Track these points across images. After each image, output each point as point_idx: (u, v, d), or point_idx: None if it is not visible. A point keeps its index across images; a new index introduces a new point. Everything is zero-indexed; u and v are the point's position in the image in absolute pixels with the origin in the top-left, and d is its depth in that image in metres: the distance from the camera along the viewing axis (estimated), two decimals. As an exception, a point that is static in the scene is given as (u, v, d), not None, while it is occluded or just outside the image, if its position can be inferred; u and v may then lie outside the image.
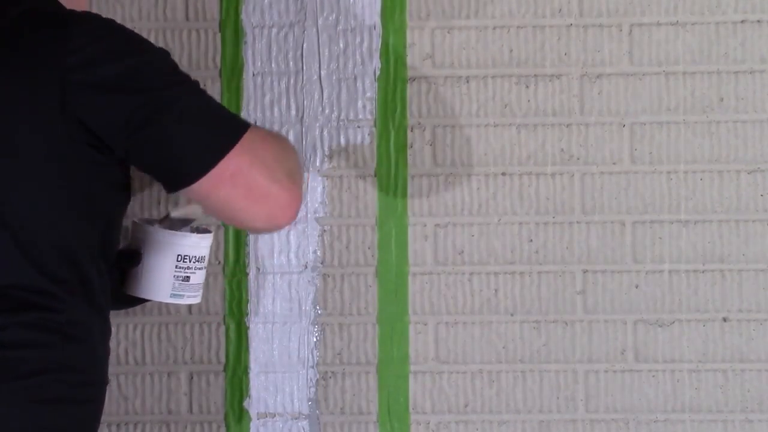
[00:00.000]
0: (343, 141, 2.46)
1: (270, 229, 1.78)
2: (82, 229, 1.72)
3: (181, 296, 2.01)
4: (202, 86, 2.44)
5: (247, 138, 1.74)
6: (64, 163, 1.69)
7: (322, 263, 2.46)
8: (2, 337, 1.66)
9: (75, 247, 1.71)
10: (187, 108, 1.74)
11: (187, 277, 2.00)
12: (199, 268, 2.02)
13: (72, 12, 1.75)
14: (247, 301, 2.45)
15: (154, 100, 1.72)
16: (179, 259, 1.97)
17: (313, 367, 2.46)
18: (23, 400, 1.67)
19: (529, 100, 2.46)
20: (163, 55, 1.77)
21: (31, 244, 1.68)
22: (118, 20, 2.43)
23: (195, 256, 2.00)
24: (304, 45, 2.46)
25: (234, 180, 1.71)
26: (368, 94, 2.46)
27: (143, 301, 2.03)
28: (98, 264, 1.76)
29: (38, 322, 1.68)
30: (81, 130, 1.68)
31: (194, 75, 2.45)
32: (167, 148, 1.72)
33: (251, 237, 2.45)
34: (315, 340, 2.45)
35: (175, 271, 1.97)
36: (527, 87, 2.46)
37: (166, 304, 2.44)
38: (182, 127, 1.71)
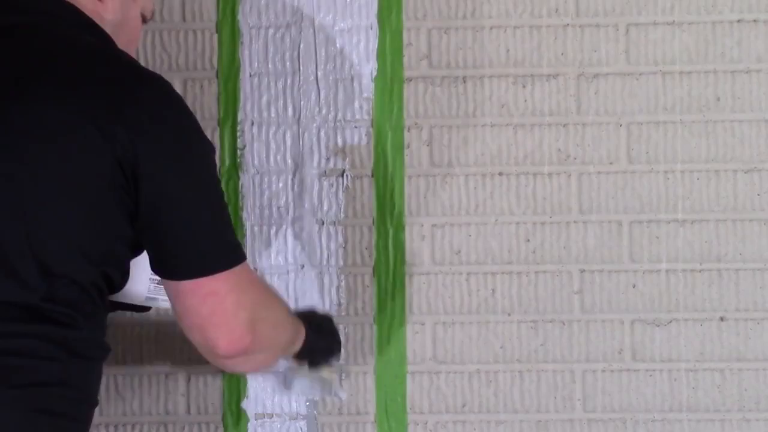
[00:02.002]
0: (340, 141, 2.46)
1: (203, 348, 1.83)
2: (98, 272, 1.76)
3: (156, 299, 2.08)
4: (198, 87, 2.47)
5: (237, 270, 1.80)
6: (100, 207, 1.72)
7: (319, 263, 2.46)
8: (11, 344, 1.68)
9: (87, 284, 1.75)
10: (209, 212, 1.79)
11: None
12: None
13: (147, 70, 1.81)
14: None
15: (193, 185, 1.77)
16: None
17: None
18: (24, 407, 1.68)
19: (525, 100, 2.46)
20: (213, 151, 1.82)
21: (52, 271, 1.71)
22: (115, 21, 2.45)
23: None
24: (301, 45, 2.46)
25: (206, 298, 1.77)
26: (365, 95, 2.46)
27: (120, 306, 2.05)
28: (103, 296, 1.80)
29: (48, 335, 1.71)
30: (122, 176, 1.71)
31: (191, 76, 2.47)
32: (174, 238, 1.77)
33: (249, 238, 2.46)
34: (312, 340, 2.46)
35: (151, 274, 2.01)
36: (524, 87, 2.46)
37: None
38: (197, 226, 1.77)
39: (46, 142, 1.69)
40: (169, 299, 1.83)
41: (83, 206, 1.71)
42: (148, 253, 1.81)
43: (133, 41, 1.95)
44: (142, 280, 1.96)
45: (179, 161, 1.75)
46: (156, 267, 1.81)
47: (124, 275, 1.84)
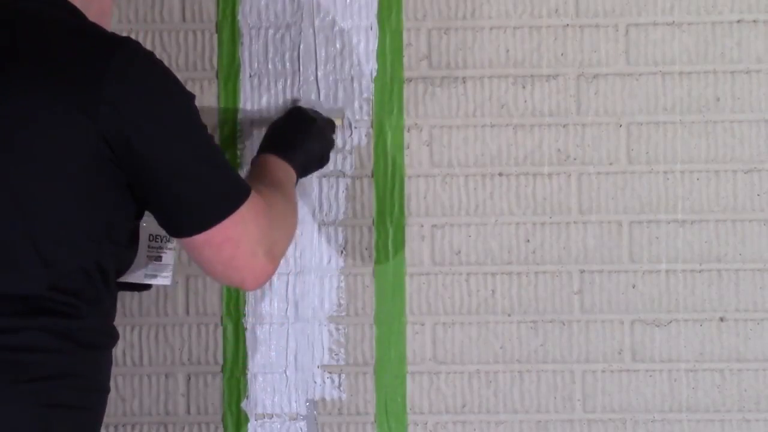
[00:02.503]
0: (340, 142, 2.46)
1: (231, 286, 1.93)
2: (99, 252, 1.76)
3: (155, 276, 2.10)
4: (198, 88, 2.47)
5: (245, 208, 1.81)
6: (91, 186, 1.72)
7: (319, 264, 2.46)
8: (16, 339, 1.68)
9: (90, 266, 1.75)
10: (201, 161, 1.79)
11: (159, 257, 2.09)
12: (170, 249, 2.11)
13: (114, 36, 1.78)
14: (245, 303, 2.46)
15: (179, 140, 1.77)
16: (151, 239, 2.05)
17: (310, 367, 2.46)
18: (32, 403, 1.68)
19: (525, 101, 2.46)
20: (192, 99, 1.81)
21: (53, 259, 1.71)
22: (115, 22, 2.45)
23: (165, 236, 2.08)
24: (301, 46, 2.46)
25: (221, 246, 1.79)
26: (365, 95, 2.46)
27: (119, 287, 2.05)
28: (108, 280, 1.79)
29: (52, 327, 1.71)
30: (107, 148, 1.70)
31: (191, 76, 2.46)
32: (172, 196, 1.77)
33: (248, 238, 2.46)
34: (312, 340, 2.46)
35: (148, 251, 2.03)
36: (524, 87, 2.46)
37: (164, 305, 2.45)
38: (191, 179, 1.77)
39: (30, 129, 1.68)
40: (188, 254, 1.85)
41: (76, 187, 1.71)
42: (153, 215, 1.82)
43: (106, 13, 1.93)
44: (140, 259, 1.96)
45: (161, 120, 1.75)
46: (165, 227, 1.82)
47: (129, 248, 1.84)
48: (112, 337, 1.82)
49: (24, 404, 1.67)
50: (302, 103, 2.43)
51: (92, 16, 1.86)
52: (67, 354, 1.72)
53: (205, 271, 1.85)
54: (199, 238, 1.78)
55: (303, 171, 2.20)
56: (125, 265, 1.91)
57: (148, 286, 2.14)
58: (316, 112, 2.35)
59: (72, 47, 1.73)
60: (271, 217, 1.87)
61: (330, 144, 2.33)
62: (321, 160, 2.30)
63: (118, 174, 1.73)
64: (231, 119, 2.46)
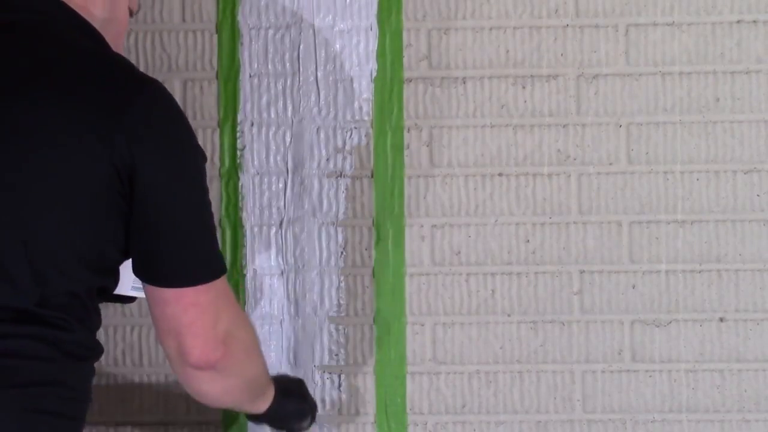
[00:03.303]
0: (339, 142, 2.46)
1: (173, 355, 1.83)
2: (90, 278, 1.77)
3: (141, 289, 2.06)
4: (198, 88, 2.46)
5: (219, 283, 1.81)
6: (95, 211, 1.73)
7: (319, 264, 2.46)
8: (5, 345, 1.68)
9: (80, 288, 1.76)
10: (200, 221, 1.80)
11: None
12: None
13: (144, 75, 1.80)
14: (245, 303, 2.46)
15: (183, 193, 1.77)
16: None
17: (310, 367, 2.46)
18: (18, 408, 1.68)
19: (525, 101, 2.46)
20: (204, 159, 1.83)
21: (45, 279, 1.71)
22: (115, 22, 2.45)
23: None
24: (301, 46, 2.46)
25: (188, 308, 1.78)
26: (365, 96, 2.46)
27: (105, 298, 2.05)
28: (95, 300, 1.80)
29: (42, 336, 1.71)
30: (118, 179, 1.71)
31: (191, 76, 2.47)
32: (161, 243, 1.77)
33: (248, 238, 2.46)
34: (312, 340, 2.46)
35: (142, 284, 2.01)
36: (524, 88, 2.46)
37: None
38: (184, 234, 1.77)
39: (44, 148, 1.69)
40: (149, 304, 1.83)
41: (80, 211, 1.71)
42: (133, 257, 1.81)
43: (121, 35, 1.95)
44: (126, 270, 1.96)
45: (174, 169, 1.76)
46: (141, 272, 1.81)
47: (116, 280, 1.85)
48: (96, 350, 1.82)
49: (10, 409, 1.67)
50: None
51: (110, 39, 1.87)
52: (55, 363, 1.72)
53: (158, 329, 1.82)
54: (172, 293, 1.78)
55: (277, 409, 2.14)
56: (113, 287, 1.90)
57: (133, 299, 2.14)
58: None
59: (100, 76, 1.74)
60: (238, 312, 1.88)
61: (309, 408, 2.28)
62: (297, 414, 2.25)
63: (122, 205, 1.73)
64: (231, 120, 2.46)
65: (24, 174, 1.68)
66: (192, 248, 1.78)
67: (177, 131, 1.78)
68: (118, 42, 1.93)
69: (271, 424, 2.20)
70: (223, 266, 1.83)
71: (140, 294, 2.08)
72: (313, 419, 2.27)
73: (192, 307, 1.78)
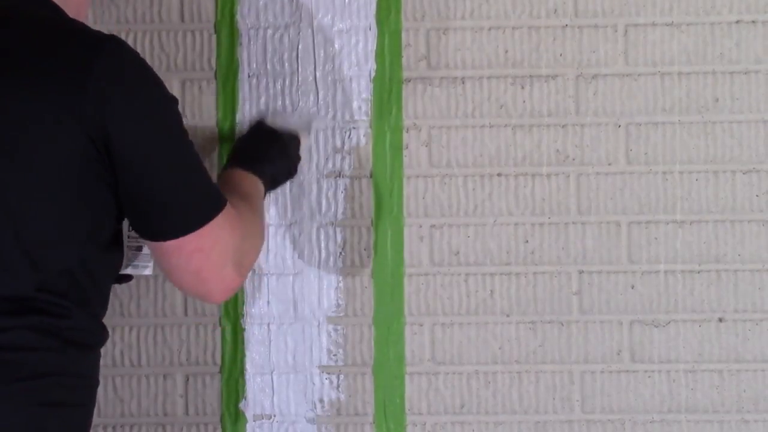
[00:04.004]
0: (338, 142, 2.46)
1: (196, 297, 1.88)
2: (85, 253, 1.75)
3: (137, 266, 2.08)
4: (197, 88, 2.46)
5: (219, 220, 1.80)
6: (78, 186, 1.71)
7: (318, 264, 2.46)
8: (5, 338, 1.68)
9: (75, 267, 1.74)
10: (183, 167, 1.79)
11: (140, 246, 2.07)
12: None
13: (99, 34, 1.77)
14: (243, 303, 2.45)
15: (160, 144, 1.77)
16: (130, 229, 2.02)
17: (308, 368, 2.46)
18: (23, 402, 1.68)
19: (524, 101, 2.46)
20: (176, 103, 1.82)
21: (40, 260, 1.71)
22: (113, 22, 2.45)
23: None
24: (300, 46, 2.46)
25: (191, 255, 1.78)
26: (364, 95, 2.46)
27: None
28: (95, 281, 1.79)
29: (41, 326, 1.70)
30: (93, 148, 1.70)
31: (189, 77, 2.46)
32: (149, 199, 1.77)
33: (247, 238, 2.45)
34: (310, 341, 2.45)
35: (128, 242, 2.01)
36: (523, 88, 2.46)
37: (162, 305, 2.45)
38: (169, 184, 1.77)
39: (18, 131, 1.68)
40: (155, 260, 1.84)
41: (64, 187, 1.70)
42: (128, 218, 1.81)
43: (82, 7, 1.92)
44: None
45: (147, 125, 1.75)
46: (138, 230, 1.81)
47: (115, 249, 1.83)
48: (101, 335, 1.81)
49: (17, 403, 1.67)
50: (277, 114, 2.42)
51: (71, 10, 1.85)
52: (57, 352, 1.72)
53: (171, 280, 1.83)
54: (171, 245, 1.77)
55: (272, 182, 2.19)
56: (115, 266, 1.89)
57: (129, 277, 2.13)
58: (280, 127, 2.34)
59: (57, 46, 1.73)
60: (242, 229, 1.86)
61: (295, 159, 2.32)
62: (289, 173, 2.29)
63: (104, 174, 1.72)
64: (230, 120, 2.46)
65: (3, 159, 1.67)
66: (182, 197, 1.77)
67: (143, 84, 1.76)
68: (80, 11, 1.90)
69: (278, 183, 2.25)
70: (217, 201, 1.81)
71: (137, 271, 2.08)
72: (297, 145, 2.32)
73: (195, 253, 1.78)
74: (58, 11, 1.83)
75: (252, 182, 2.10)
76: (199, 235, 1.77)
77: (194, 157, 1.81)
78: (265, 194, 2.15)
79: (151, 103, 1.76)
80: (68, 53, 1.72)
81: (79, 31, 1.78)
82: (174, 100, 1.80)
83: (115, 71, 1.72)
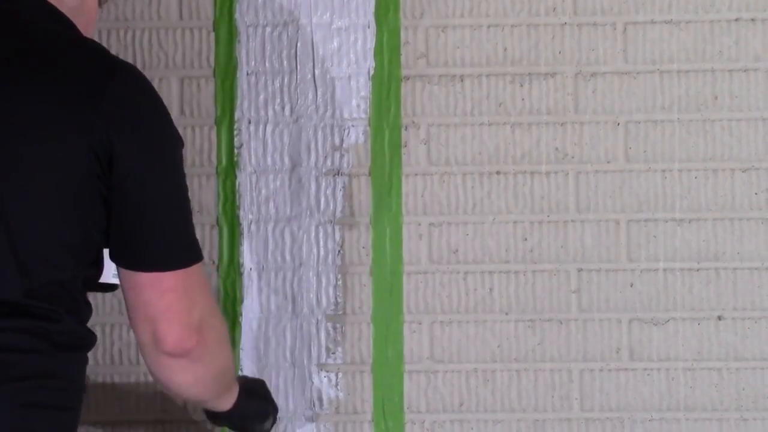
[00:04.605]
0: (337, 140, 2.45)
1: (147, 343, 1.81)
2: (75, 265, 1.76)
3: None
4: (195, 86, 2.46)
5: (196, 269, 1.80)
6: (77, 197, 1.72)
7: (316, 262, 2.46)
8: None
9: (66, 275, 1.75)
10: (177, 206, 1.79)
11: None
12: None
13: (117, 58, 1.80)
14: (242, 301, 2.45)
15: (161, 176, 1.77)
16: None
17: (307, 366, 2.45)
18: (10, 403, 1.67)
19: (523, 99, 2.46)
20: (181, 145, 1.83)
21: (31, 266, 1.71)
22: (112, 20, 2.45)
23: None
24: (298, 44, 2.46)
25: (164, 293, 1.77)
26: (362, 93, 2.45)
27: (90, 288, 2.04)
28: (83, 288, 1.79)
29: (29, 329, 1.70)
30: (97, 163, 1.71)
31: (188, 74, 2.46)
32: (137, 227, 1.76)
33: (246, 236, 2.45)
34: (309, 339, 2.45)
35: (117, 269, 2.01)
36: (521, 85, 2.46)
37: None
38: (163, 219, 1.77)
39: (21, 136, 1.68)
40: (124, 291, 1.81)
41: (62, 198, 1.70)
42: (111, 242, 1.79)
43: (91, 25, 1.93)
44: (106, 257, 1.95)
45: (151, 154, 1.75)
46: (118, 257, 1.79)
47: (100, 268, 1.84)
48: (87, 339, 1.81)
49: (3, 404, 1.67)
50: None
51: (81, 26, 1.86)
52: (45, 354, 1.71)
53: (132, 314, 1.80)
54: (149, 278, 1.76)
55: (238, 417, 2.11)
56: (96, 276, 1.89)
57: (115, 286, 2.13)
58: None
59: (74, 61, 1.74)
60: (212, 301, 1.87)
61: (271, 409, 2.23)
62: (259, 416, 2.20)
63: (102, 189, 1.73)
64: (228, 118, 2.45)
65: (2, 164, 1.68)
66: (170, 232, 1.77)
67: (153, 116, 1.77)
68: (88, 31, 1.91)
69: (232, 426, 2.14)
70: (199, 252, 1.82)
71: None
72: (274, 421, 2.22)
73: (169, 292, 1.76)
74: (74, 29, 1.84)
75: (235, 385, 2.05)
76: (176, 275, 1.77)
77: (188, 201, 1.82)
78: (231, 415, 2.07)
79: (157, 136, 1.77)
80: (86, 70, 1.73)
81: (97, 50, 1.80)
82: (180, 141, 1.81)
83: (129, 97, 1.73)
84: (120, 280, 1.82)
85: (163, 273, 1.76)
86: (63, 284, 1.74)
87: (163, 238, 1.77)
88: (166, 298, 1.77)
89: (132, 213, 1.75)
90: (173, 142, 1.80)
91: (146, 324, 1.79)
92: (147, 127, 1.75)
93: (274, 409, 2.23)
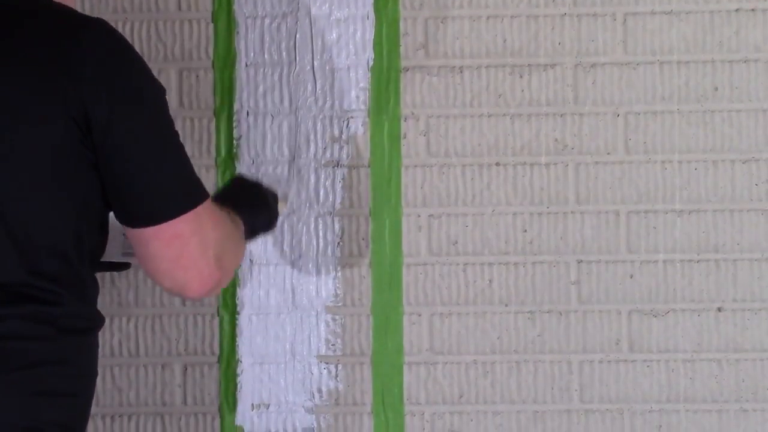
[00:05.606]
0: (336, 132, 2.45)
1: (173, 292, 1.81)
2: (76, 233, 1.74)
3: (131, 254, 2.04)
4: (194, 78, 2.46)
5: (201, 209, 1.77)
6: (64, 167, 1.70)
7: (316, 254, 2.46)
8: (0, 328, 1.67)
9: (68, 248, 1.73)
10: (166, 155, 1.77)
11: None
12: None
13: (85, 17, 1.76)
14: (241, 293, 2.45)
15: (145, 128, 1.74)
16: None
17: (307, 358, 2.45)
18: (19, 391, 1.67)
19: (522, 90, 2.45)
20: (163, 92, 1.80)
21: (28, 244, 1.70)
22: (110, 12, 2.45)
23: None
24: (297, 35, 2.45)
25: (171, 241, 1.74)
26: (362, 85, 2.45)
27: (98, 267, 2.04)
28: (87, 263, 1.78)
29: (34, 315, 1.69)
30: (77, 129, 1.69)
31: (187, 66, 2.46)
32: (129, 183, 1.74)
33: (245, 228, 2.45)
34: (309, 331, 2.45)
35: (123, 228, 2.00)
36: (521, 77, 2.45)
37: (160, 295, 2.44)
38: (152, 170, 1.74)
39: (2, 113, 1.67)
40: (134, 247, 1.79)
41: (47, 168, 1.69)
42: (111, 203, 1.78)
43: None
44: (115, 236, 1.94)
45: (131, 107, 1.73)
46: (118, 216, 1.78)
47: (103, 229, 1.82)
48: (96, 321, 1.80)
49: (11, 393, 1.66)
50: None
51: None
52: (51, 341, 1.70)
53: (148, 270, 1.78)
54: (152, 230, 1.74)
55: (251, 231, 2.12)
56: (101, 249, 1.87)
57: (126, 265, 2.12)
58: (261, 181, 2.29)
59: (41, 28, 1.71)
60: (224, 229, 1.84)
61: (275, 213, 2.26)
62: (269, 225, 2.23)
63: (89, 155, 1.71)
64: (227, 109, 2.45)
65: None
66: (164, 183, 1.74)
67: (128, 68, 1.74)
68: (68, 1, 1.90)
69: (257, 233, 2.16)
70: (200, 193, 1.78)
71: (133, 259, 2.06)
72: (277, 199, 2.23)
73: (174, 240, 1.74)
74: None
75: (236, 219, 2.07)
76: (178, 221, 1.74)
77: (178, 146, 1.79)
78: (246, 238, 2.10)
79: (135, 89, 1.74)
80: (52, 35, 1.71)
81: (64, 13, 1.76)
82: (160, 89, 1.78)
83: (98, 56, 1.71)
84: (132, 242, 1.81)
85: (163, 224, 1.73)
86: (66, 259, 1.72)
87: (157, 191, 1.74)
88: (174, 246, 1.74)
89: (120, 171, 1.72)
90: (152, 92, 1.77)
91: (163, 275, 1.77)
92: (120, 84, 1.72)
93: (272, 196, 2.22)
